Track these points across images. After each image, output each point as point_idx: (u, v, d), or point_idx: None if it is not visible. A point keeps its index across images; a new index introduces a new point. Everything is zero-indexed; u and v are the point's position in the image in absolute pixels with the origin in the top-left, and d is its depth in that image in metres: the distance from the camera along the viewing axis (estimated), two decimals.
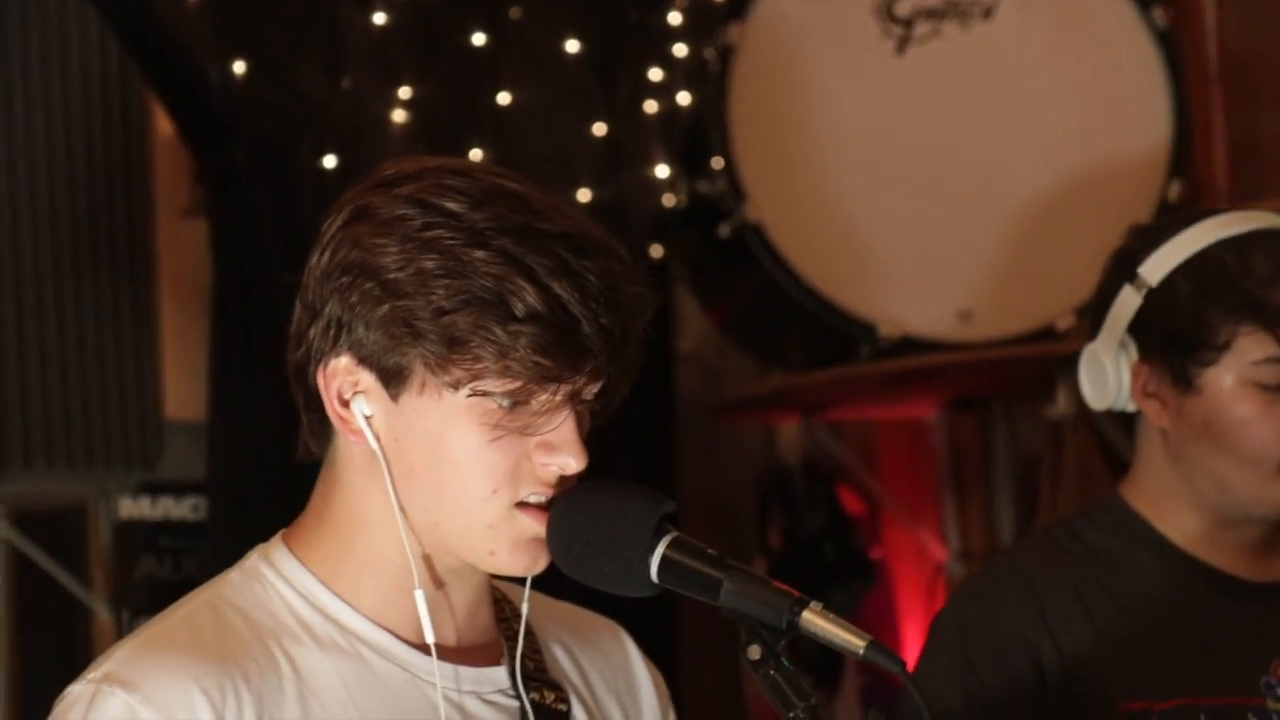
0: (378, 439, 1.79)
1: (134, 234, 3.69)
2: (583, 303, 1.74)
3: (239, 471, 3.66)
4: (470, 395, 1.76)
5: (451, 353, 1.74)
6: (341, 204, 1.84)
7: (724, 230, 3.89)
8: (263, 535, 1.90)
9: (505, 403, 1.76)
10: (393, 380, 1.78)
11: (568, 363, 1.75)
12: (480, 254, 1.74)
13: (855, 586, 4.39)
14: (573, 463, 1.78)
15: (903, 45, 3.96)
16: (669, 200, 3.93)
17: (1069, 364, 3.88)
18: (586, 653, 1.99)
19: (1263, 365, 2.51)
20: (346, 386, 1.79)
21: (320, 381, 1.80)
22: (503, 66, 3.82)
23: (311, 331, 1.80)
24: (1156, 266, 2.56)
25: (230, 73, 3.61)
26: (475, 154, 3.74)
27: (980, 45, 3.98)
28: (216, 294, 3.71)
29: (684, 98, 4.01)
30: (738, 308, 4.22)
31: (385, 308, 1.76)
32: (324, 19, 3.64)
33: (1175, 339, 2.54)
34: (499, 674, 1.88)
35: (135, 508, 3.78)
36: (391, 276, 1.75)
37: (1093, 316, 2.68)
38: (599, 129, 3.92)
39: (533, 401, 1.77)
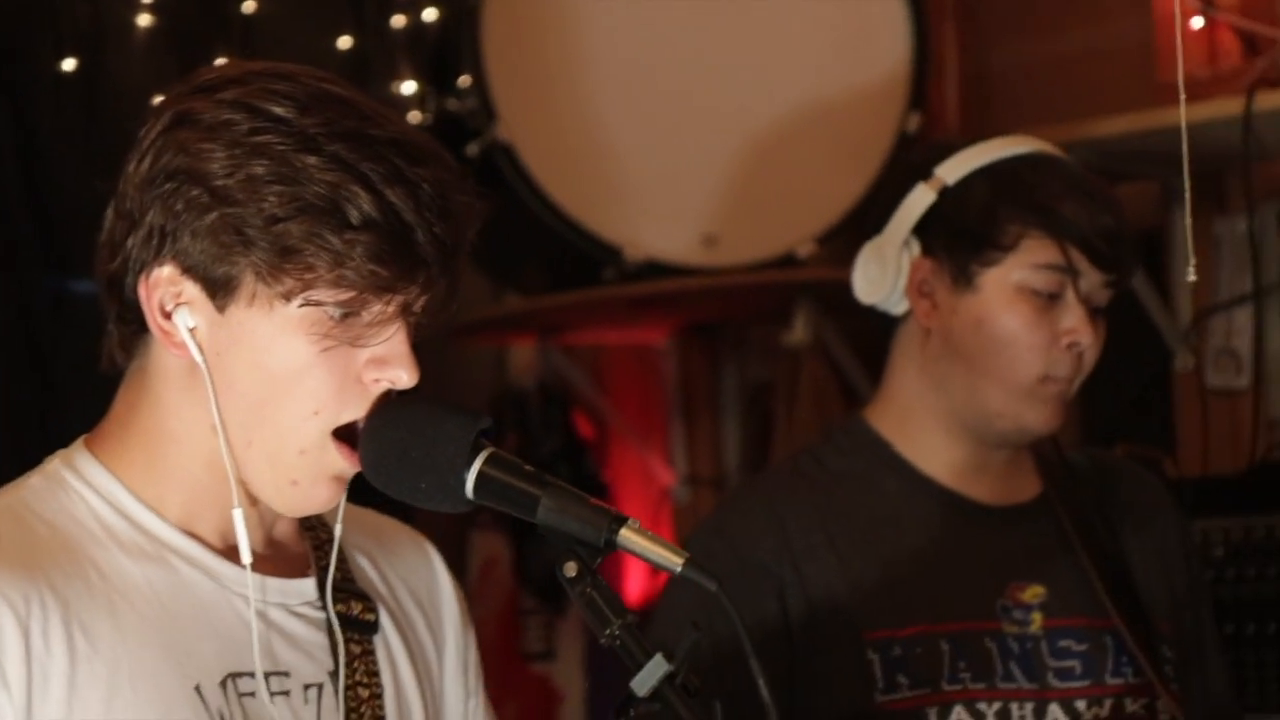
0: (201, 351, 1.74)
1: None
2: (417, 211, 1.73)
3: None
4: (302, 305, 1.73)
5: (284, 262, 1.72)
6: (159, 109, 1.78)
7: (472, 149, 3.85)
8: None
9: (337, 313, 1.74)
10: (220, 291, 1.74)
11: (403, 272, 1.73)
12: (312, 160, 1.71)
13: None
14: (404, 376, 1.77)
15: None
16: (415, 117, 3.89)
17: (808, 291, 3.98)
18: (391, 562, 1.99)
19: (1043, 270, 2.60)
20: (169, 298, 1.75)
21: (142, 292, 1.76)
22: None
23: (130, 241, 1.76)
24: (955, 168, 2.64)
25: None
26: (220, 62, 3.64)
27: None
28: None
29: (431, 13, 3.96)
30: (479, 229, 4.18)
31: (213, 215, 1.72)
32: None
33: (964, 235, 2.62)
34: (307, 585, 1.87)
35: None
36: (220, 183, 1.72)
37: (874, 215, 2.73)
38: (344, 42, 3.86)
39: (364, 313, 1.74)
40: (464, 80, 3.86)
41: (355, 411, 1.77)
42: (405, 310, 1.76)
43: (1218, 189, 3.91)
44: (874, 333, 2.70)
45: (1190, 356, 3.91)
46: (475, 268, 4.32)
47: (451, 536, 4.37)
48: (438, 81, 3.91)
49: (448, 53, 3.91)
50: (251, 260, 1.72)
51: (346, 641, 1.85)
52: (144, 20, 3.57)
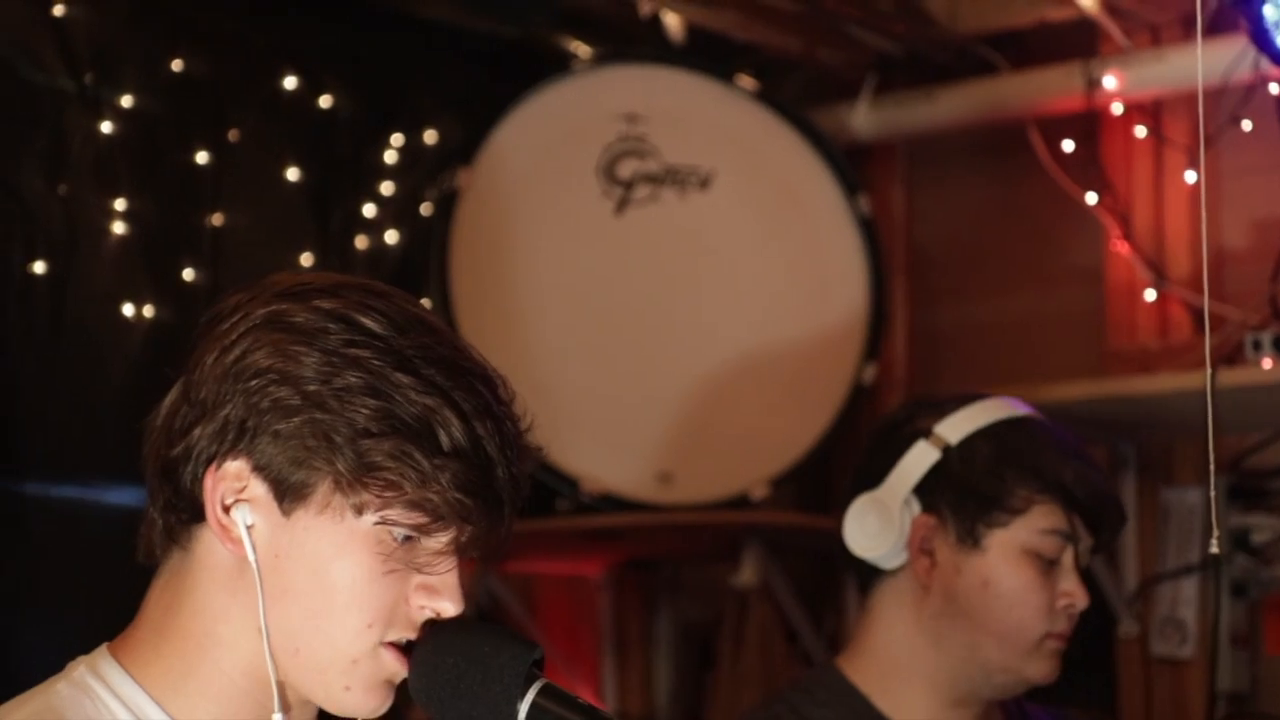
0: (254, 551, 1.72)
1: None
2: (500, 447, 1.73)
3: None
4: (376, 523, 1.71)
5: (367, 475, 1.70)
6: (245, 306, 1.77)
7: None
8: None
9: (402, 535, 1.72)
10: (291, 494, 1.72)
11: (481, 504, 1.73)
12: (407, 380, 1.71)
13: None
14: (450, 608, 1.75)
15: (622, 206, 4.02)
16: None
17: (758, 534, 3.98)
18: None
19: (1048, 535, 2.64)
20: (230, 492, 1.73)
21: (207, 483, 1.73)
22: (223, 186, 3.73)
23: (197, 430, 1.73)
24: (954, 428, 2.67)
25: None
26: (188, 273, 3.64)
27: (695, 213, 4.06)
28: None
29: (392, 235, 3.98)
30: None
31: (300, 418, 1.71)
32: (49, 122, 3.50)
33: (971, 495, 2.64)
34: None
35: None
36: (312, 388, 1.70)
37: (863, 473, 2.74)
38: (306, 259, 3.87)
39: (429, 540, 1.73)
40: (426, 301, 3.87)
41: (401, 631, 1.75)
42: (462, 545, 1.75)
43: (1166, 460, 3.98)
44: (817, 576, 2.70)
45: (1135, 624, 3.95)
46: None
47: None
48: None
49: (407, 275, 3.92)
50: (334, 469, 1.70)
51: None
52: (117, 228, 3.55)
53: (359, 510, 1.71)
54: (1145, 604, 3.96)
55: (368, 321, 1.73)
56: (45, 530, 3.39)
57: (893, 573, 2.71)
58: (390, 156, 4.01)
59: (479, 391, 1.73)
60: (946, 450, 2.66)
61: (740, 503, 3.98)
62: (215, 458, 1.73)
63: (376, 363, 1.71)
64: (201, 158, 3.69)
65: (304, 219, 3.87)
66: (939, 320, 4.45)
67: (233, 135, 3.76)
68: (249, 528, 1.73)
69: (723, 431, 4.01)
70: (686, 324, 4.03)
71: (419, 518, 1.71)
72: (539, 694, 1.72)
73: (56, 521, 3.39)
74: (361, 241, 3.97)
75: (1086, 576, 2.68)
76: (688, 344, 4.02)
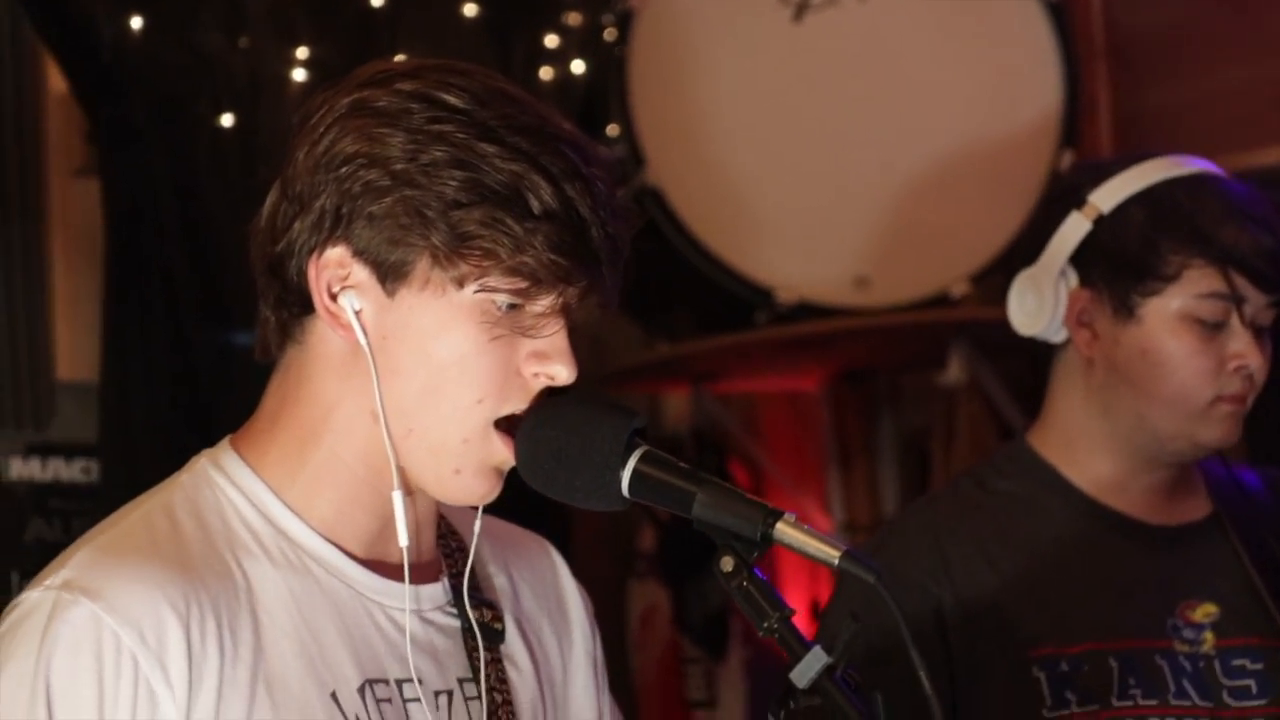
0: (365, 335, 1.75)
1: (25, 192, 3.60)
2: (592, 207, 1.73)
3: (131, 434, 3.59)
4: (476, 292, 1.72)
5: (462, 246, 1.72)
6: (330, 98, 1.78)
7: (622, 196, 3.87)
8: None
9: (505, 303, 1.73)
10: (391, 275, 1.74)
11: (578, 264, 1.73)
12: (493, 149, 1.71)
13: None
14: (564, 372, 1.76)
15: (800, 13, 3.97)
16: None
17: (963, 331, 3.94)
18: (519, 569, 1.98)
19: (1206, 299, 2.56)
20: (336, 280, 1.75)
21: (310, 273, 1.75)
22: (400, 28, 3.78)
23: (297, 224, 1.75)
24: (1109, 195, 2.60)
25: (126, 28, 3.54)
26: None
27: (875, 14, 4.00)
28: (109, 253, 3.63)
29: (578, 66, 3.99)
30: (629, 275, 4.20)
31: (392, 198, 1.72)
32: None
33: (1124, 265, 2.58)
34: (437, 591, 1.86)
35: (25, 468, 3.69)
36: (399, 166, 1.72)
37: (1028, 245, 2.70)
38: None
39: (532, 305, 1.74)
40: (612, 129, 3.89)
41: (516, 404, 1.76)
42: (567, 309, 1.76)
43: None
44: (1030, 372, 2.66)
45: None
46: (626, 315, 4.34)
47: (611, 585, 4.38)
48: (586, 130, 3.93)
49: (595, 102, 3.94)
50: (430, 244, 1.72)
51: (477, 649, 1.84)
52: (297, 75, 3.63)
53: (459, 283, 1.73)
54: None
55: (449, 97, 1.74)
56: (251, 376, 3.50)
57: (1063, 346, 2.67)
58: None
59: (566, 155, 1.73)
60: (1099, 220, 2.60)
61: (941, 301, 3.94)
62: (316, 247, 1.75)
63: (460, 135, 1.71)
64: (377, 0, 3.74)
65: (485, 54, 3.90)
66: (1144, 100, 4.34)
67: None
68: (357, 312, 1.75)
69: (918, 231, 3.97)
70: (874, 126, 3.98)
71: (518, 283, 1.72)
72: (641, 460, 1.72)
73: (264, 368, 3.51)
74: (546, 73, 3.99)
75: None
76: (877, 146, 3.98)
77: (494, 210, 1.71)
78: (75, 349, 3.68)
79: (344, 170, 1.74)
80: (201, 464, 1.83)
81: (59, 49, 3.56)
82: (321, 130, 1.77)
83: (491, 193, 1.71)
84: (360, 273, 1.75)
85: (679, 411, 4.50)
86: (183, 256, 3.56)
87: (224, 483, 1.80)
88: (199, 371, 3.61)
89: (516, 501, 1.86)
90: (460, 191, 1.71)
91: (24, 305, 3.58)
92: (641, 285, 4.17)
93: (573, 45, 3.99)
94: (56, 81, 3.65)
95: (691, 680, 4.45)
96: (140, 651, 1.69)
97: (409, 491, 1.80)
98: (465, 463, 1.77)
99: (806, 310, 3.90)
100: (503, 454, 1.76)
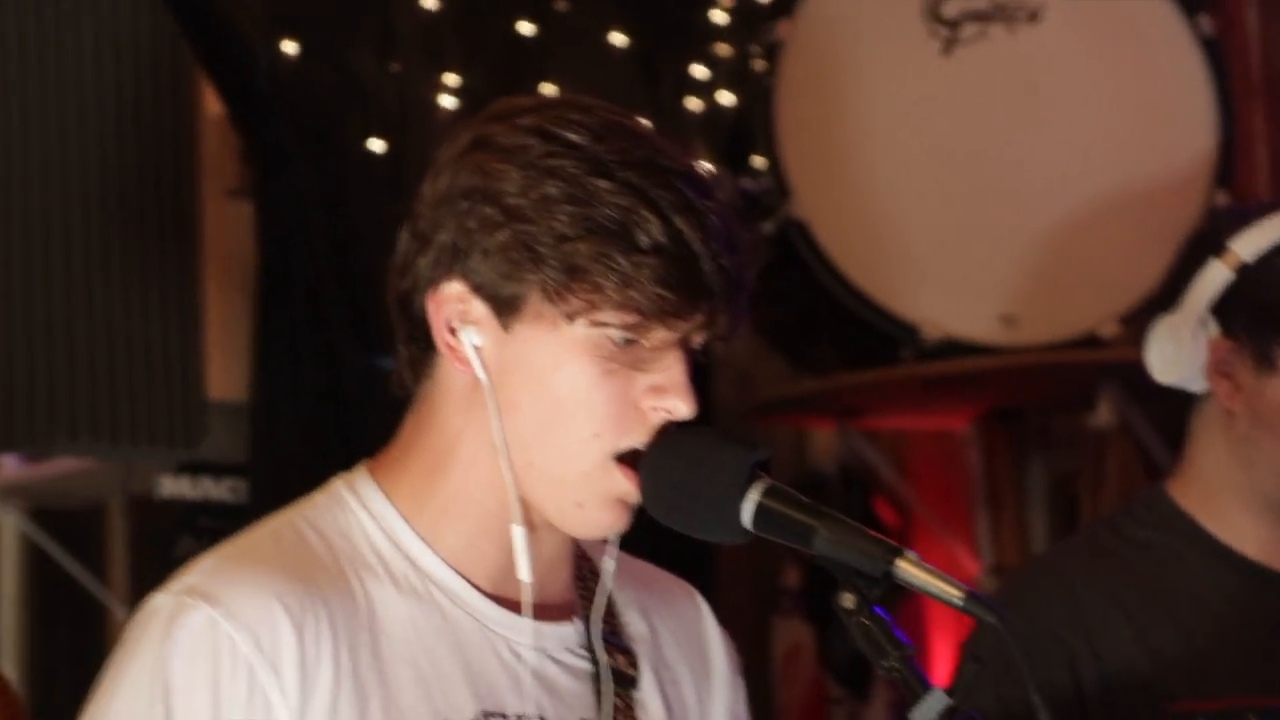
0: (485, 369, 1.77)
1: (180, 213, 3.67)
2: (704, 241, 1.72)
3: (279, 454, 3.65)
4: (588, 327, 1.73)
5: (572, 280, 1.72)
6: (456, 134, 1.80)
7: (767, 228, 3.88)
8: None
9: (619, 338, 1.74)
10: (506, 309, 1.75)
11: (688, 299, 1.72)
12: (604, 184, 1.72)
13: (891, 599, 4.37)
14: (682, 406, 1.75)
15: (949, 46, 3.97)
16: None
17: (1112, 373, 3.90)
18: (661, 616, 1.95)
19: None
20: (455, 315, 1.76)
21: (430, 308, 1.77)
22: (549, 57, 3.83)
23: (421, 260, 1.77)
24: (1252, 243, 2.55)
25: (281, 53, 3.62)
26: None
27: (1026, 48, 3.98)
28: (261, 275, 3.70)
29: (726, 97, 4.01)
30: (774, 308, 4.21)
31: (505, 232, 1.73)
32: (375, 2, 3.65)
33: (1265, 316, 2.52)
34: (569, 631, 1.85)
35: (176, 487, 3.77)
36: (513, 201, 1.73)
37: (1169, 291, 2.66)
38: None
39: (646, 339, 1.74)
40: (759, 160, 3.90)
41: (635, 438, 1.75)
42: (683, 342, 1.76)
43: None
44: (1182, 416, 2.61)
45: None
46: (771, 348, 4.35)
47: (755, 622, 4.37)
48: (732, 162, 3.96)
49: (742, 134, 3.95)
50: (540, 278, 1.73)
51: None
52: (446, 102, 3.68)
53: (570, 317, 1.73)
54: None
55: (567, 133, 1.74)
56: (396, 399, 3.55)
57: (1204, 396, 2.62)
58: (719, 16, 4.04)
59: (678, 188, 1.73)
60: (1242, 268, 2.55)
61: (1089, 342, 3.90)
62: (435, 283, 1.76)
63: (574, 170, 1.72)
64: (527, 28, 3.79)
65: (633, 85, 3.93)
66: None
67: (560, 4, 3.84)
68: (476, 347, 1.76)
69: (1067, 270, 3.93)
70: (1023, 162, 3.96)
71: (628, 317, 1.72)
72: (764, 494, 1.72)
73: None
74: (694, 104, 4.01)
75: None
76: (1025, 183, 3.95)
77: (602, 245, 1.72)
78: (226, 369, 3.75)
79: (462, 205, 1.75)
80: (336, 486, 1.85)
81: (216, 73, 3.65)
82: (444, 166, 1.79)
83: (600, 227, 1.72)
84: (478, 308, 1.76)
85: (825, 447, 4.49)
86: (332, 278, 3.62)
87: (356, 506, 1.82)
88: (346, 392, 3.66)
89: (657, 540, 1.87)
90: (570, 226, 1.72)
91: (176, 324, 3.66)
92: (786, 317, 4.18)
93: (721, 76, 4.02)
94: (213, 104, 3.73)
95: None
96: (255, 657, 1.71)
97: (534, 526, 1.81)
98: (586, 496, 1.77)
99: (952, 348, 3.87)
100: (624, 486, 1.76)
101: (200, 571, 1.76)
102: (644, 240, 1.71)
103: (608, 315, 1.73)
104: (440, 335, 1.77)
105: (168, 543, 3.78)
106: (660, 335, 1.73)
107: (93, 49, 3.56)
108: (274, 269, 3.68)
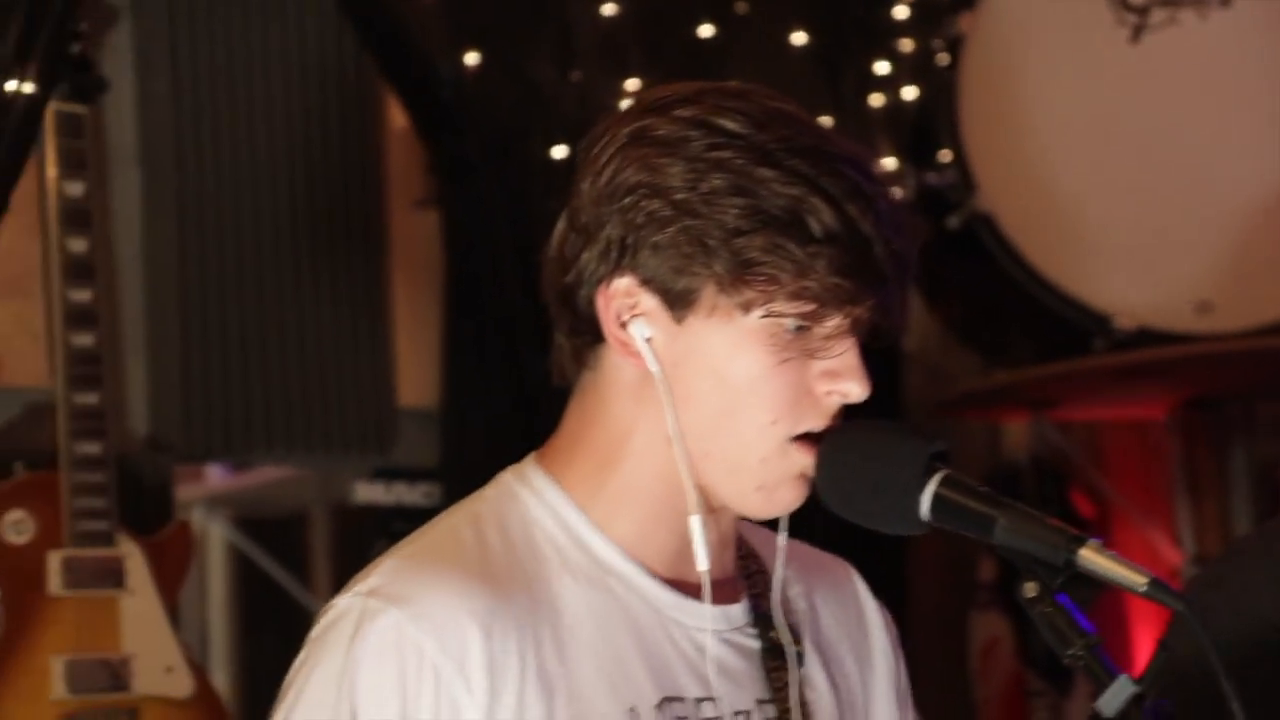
0: (657, 361, 1.77)
1: (369, 224, 3.73)
2: (875, 225, 1.71)
3: (470, 458, 3.69)
4: (763, 317, 1.73)
5: (746, 273, 1.72)
6: (612, 127, 1.80)
7: (953, 222, 3.85)
8: None
9: (794, 326, 1.74)
10: (678, 303, 1.75)
11: (863, 285, 1.72)
12: (771, 173, 1.71)
13: (1087, 590, 4.31)
14: (856, 389, 1.75)
15: (1137, 33, 3.90)
16: (896, 192, 3.92)
17: None
18: (820, 592, 1.95)
19: None
20: (625, 309, 1.76)
21: (600, 303, 1.77)
22: (730, 59, 3.83)
23: (584, 255, 1.77)
24: None
25: (463, 65, 3.66)
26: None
27: (1218, 33, 3.91)
28: (448, 283, 3.75)
29: (909, 92, 3.98)
30: (964, 302, 4.18)
31: (675, 228, 1.73)
32: (554, 11, 3.68)
33: None
34: (737, 611, 1.85)
35: (370, 492, 3.83)
36: (681, 196, 1.73)
37: None
38: (824, 122, 3.91)
39: (820, 326, 1.74)
40: (944, 154, 3.87)
41: (812, 422, 1.76)
42: (856, 326, 1.75)
43: None
44: None
45: None
46: (963, 342, 4.31)
47: (952, 616, 4.33)
48: (916, 157, 3.93)
49: (925, 128, 3.92)
50: (713, 272, 1.73)
51: (777, 670, 1.85)
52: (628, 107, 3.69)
53: (745, 308, 1.73)
54: None
55: (727, 123, 1.74)
56: None
57: None
58: (901, 11, 4.01)
59: (846, 175, 1.72)
60: None
61: None
62: (604, 278, 1.77)
63: (739, 161, 1.72)
64: (707, 31, 3.79)
65: (814, 82, 3.92)
66: None
67: (740, 6, 3.84)
68: (648, 340, 1.77)
69: (1263, 254, 3.86)
70: (1215, 146, 3.89)
71: (803, 306, 1.72)
72: (941, 484, 1.70)
73: None
74: (876, 99, 3.99)
75: None
76: (1217, 166, 3.88)
77: (775, 236, 1.71)
78: (416, 375, 3.80)
79: (627, 201, 1.75)
80: (506, 479, 1.85)
81: (401, 86, 3.69)
82: (604, 161, 1.78)
83: (772, 218, 1.71)
84: (648, 301, 1.77)
85: (1019, 439, 4.44)
86: (516, 285, 3.66)
87: (530, 497, 1.83)
88: (534, 397, 3.69)
89: (848, 536, 1.87)
90: (741, 219, 1.72)
91: (367, 333, 3.71)
92: (976, 311, 4.13)
93: (904, 71, 3.99)
94: (398, 117, 3.78)
95: (1036, 714, 4.38)
96: (441, 660, 1.72)
97: (710, 510, 1.81)
98: (766, 479, 1.78)
99: (1146, 337, 3.82)
100: (804, 461, 1.76)
101: (383, 573, 1.77)
102: (817, 229, 1.70)
103: (782, 305, 1.72)
104: (611, 329, 1.77)
105: (365, 547, 3.83)
106: (834, 322, 1.73)
107: (282, 71, 3.62)
108: (460, 277, 3.72)
